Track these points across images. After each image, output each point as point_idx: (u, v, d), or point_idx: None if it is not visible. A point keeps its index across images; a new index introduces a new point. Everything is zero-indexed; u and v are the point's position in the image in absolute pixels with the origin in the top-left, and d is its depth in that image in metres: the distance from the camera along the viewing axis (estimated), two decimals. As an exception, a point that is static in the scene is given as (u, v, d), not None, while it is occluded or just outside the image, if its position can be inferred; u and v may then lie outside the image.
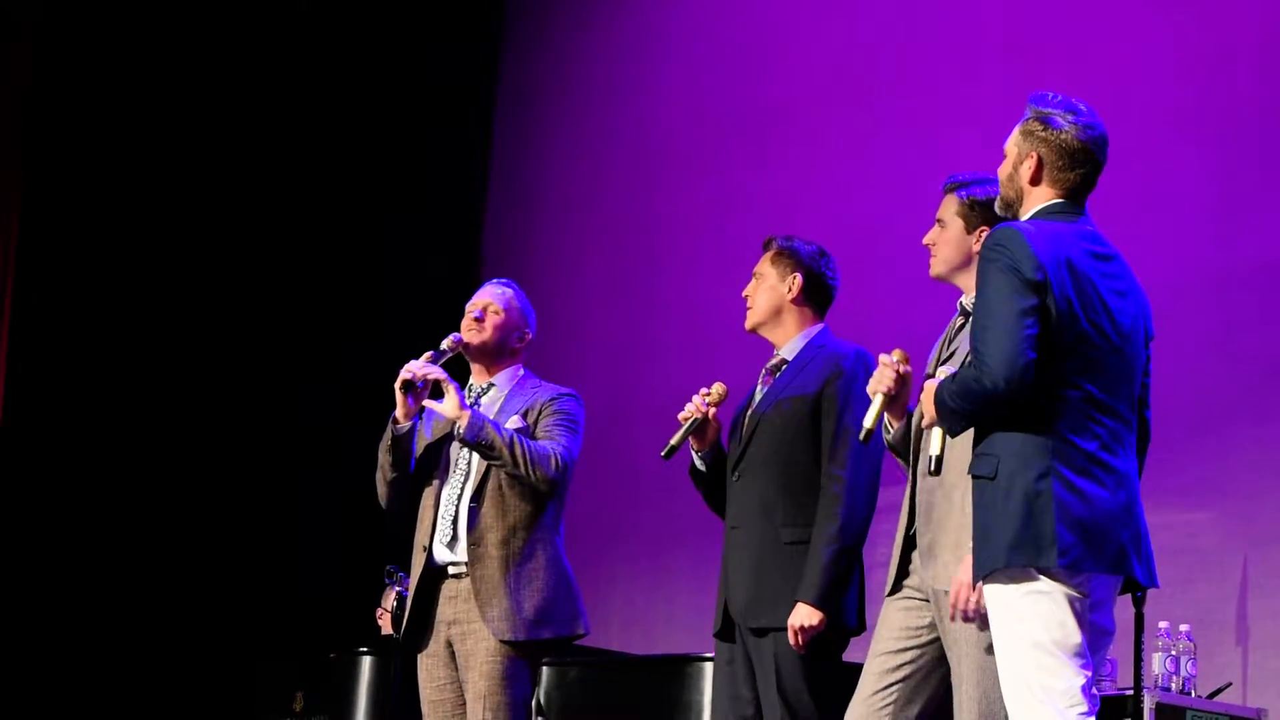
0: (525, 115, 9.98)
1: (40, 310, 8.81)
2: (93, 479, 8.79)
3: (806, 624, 4.58)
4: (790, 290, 4.91)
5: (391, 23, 9.73)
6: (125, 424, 8.91)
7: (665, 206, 9.09)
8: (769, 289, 4.92)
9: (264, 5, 9.43)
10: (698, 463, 4.93)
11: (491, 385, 5.20)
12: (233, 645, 8.60)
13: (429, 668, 5.07)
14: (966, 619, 4.05)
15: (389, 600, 7.14)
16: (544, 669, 6.11)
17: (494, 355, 5.20)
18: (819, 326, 4.94)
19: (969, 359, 3.74)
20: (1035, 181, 3.88)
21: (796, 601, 4.60)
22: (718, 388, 4.85)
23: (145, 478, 8.89)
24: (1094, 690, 3.69)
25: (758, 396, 4.90)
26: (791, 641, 4.59)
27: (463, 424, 4.91)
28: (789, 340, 4.92)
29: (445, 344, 5.09)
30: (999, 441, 3.69)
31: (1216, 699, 5.89)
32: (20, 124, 8.84)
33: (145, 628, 8.76)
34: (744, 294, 4.98)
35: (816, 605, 4.58)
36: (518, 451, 4.92)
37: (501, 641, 4.89)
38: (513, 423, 5.05)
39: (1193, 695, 5.82)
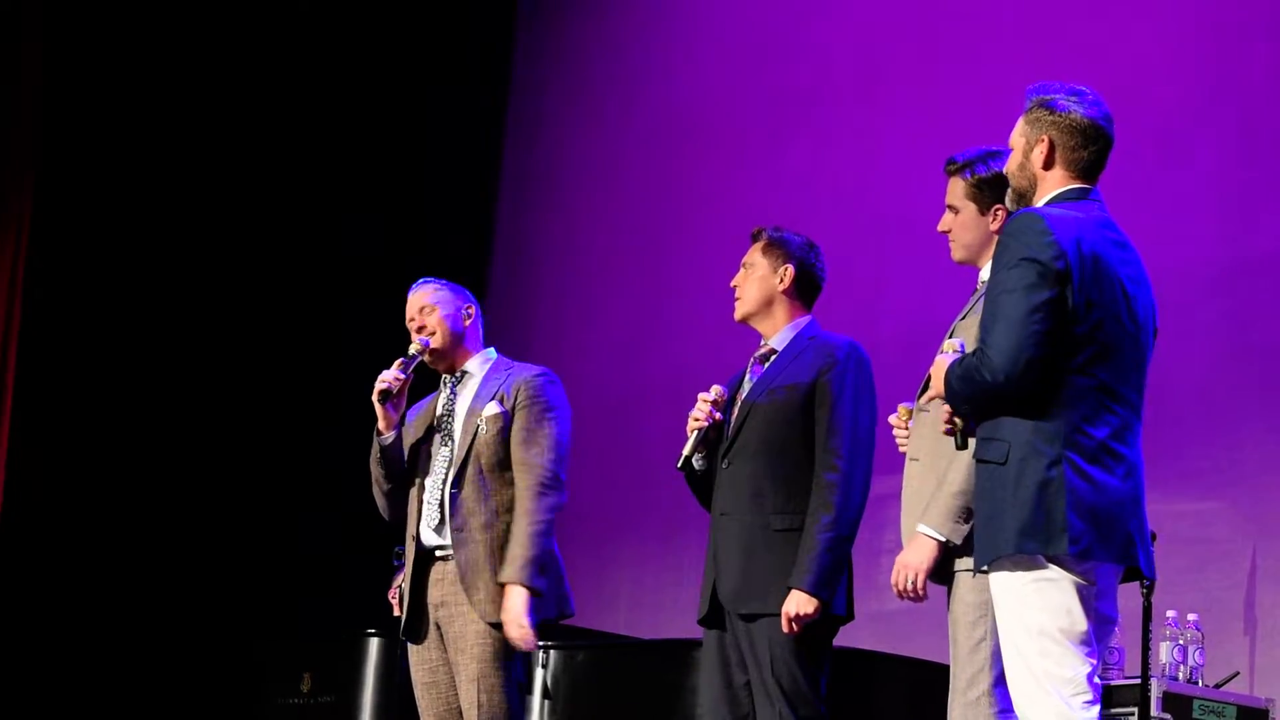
0: (537, 103, 9.97)
1: (50, 305, 8.82)
2: (102, 466, 8.80)
3: (802, 611, 4.56)
4: (782, 281, 4.90)
5: (399, 13, 9.72)
6: (133, 410, 8.92)
7: (677, 192, 9.09)
8: (760, 279, 4.90)
9: (264, 5, 9.43)
10: (698, 465, 4.90)
11: (465, 373, 5.21)
12: (241, 627, 8.61)
13: (419, 651, 5.07)
14: (906, 598, 4.09)
15: (400, 582, 7.16)
16: (551, 652, 6.12)
17: (456, 346, 5.20)
18: (807, 318, 4.93)
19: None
20: (1049, 165, 3.85)
21: (790, 588, 4.59)
22: (716, 390, 4.84)
23: (154, 462, 8.90)
24: (1096, 679, 3.68)
25: (747, 385, 4.88)
26: (785, 628, 4.57)
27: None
28: (778, 331, 4.90)
29: (413, 348, 5.13)
30: (1009, 427, 3.67)
31: (1224, 688, 5.88)
32: (30, 125, 8.83)
33: (154, 609, 8.77)
34: (733, 284, 4.95)
35: (811, 592, 4.57)
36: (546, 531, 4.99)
37: (489, 623, 4.90)
38: (490, 409, 5.05)
39: (1200, 684, 5.82)
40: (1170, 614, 5.85)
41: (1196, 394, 6.69)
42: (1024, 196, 3.88)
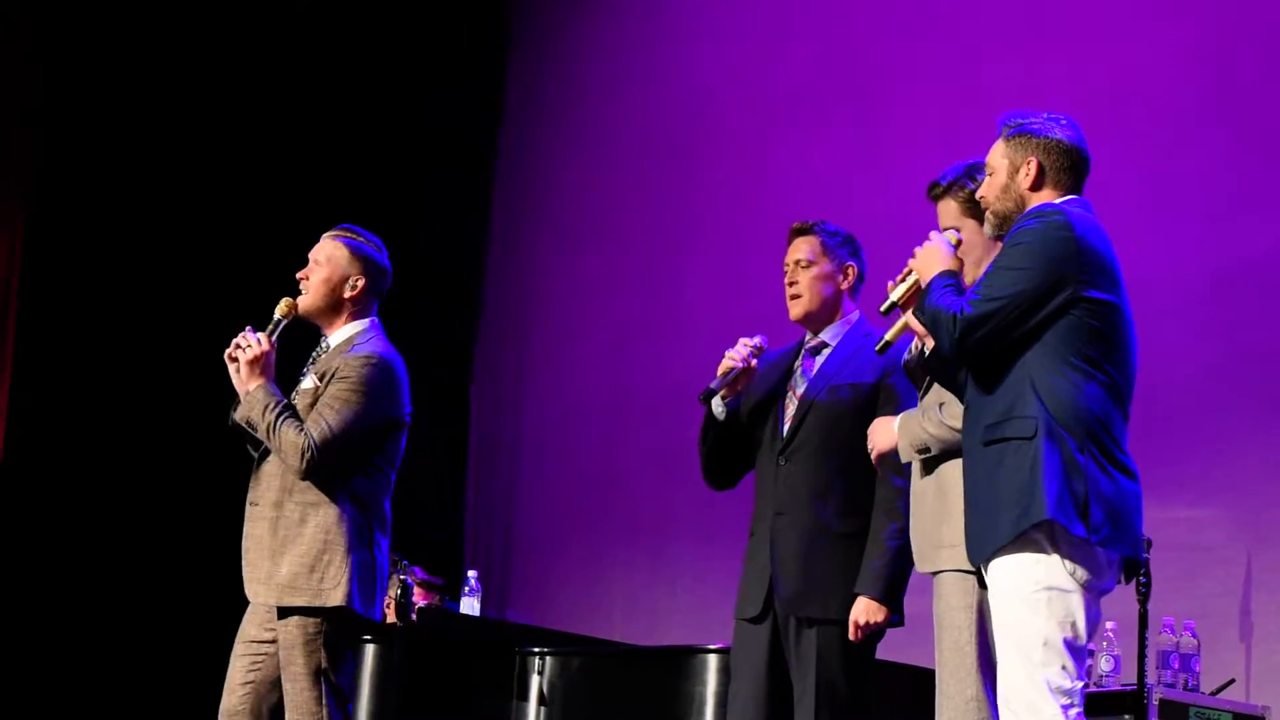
0: (532, 108, 9.97)
1: (46, 312, 8.79)
2: (80, 478, 8.72)
3: (873, 620, 4.50)
4: (847, 279, 4.83)
5: (393, 24, 9.72)
6: (112, 423, 8.86)
7: (667, 196, 9.08)
8: (824, 278, 4.81)
9: (263, 5, 9.42)
10: (718, 410, 4.77)
11: (326, 340, 4.94)
12: (228, 635, 8.58)
13: (246, 621, 4.94)
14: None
15: (393, 588, 7.14)
16: (547, 658, 6.11)
17: (326, 313, 4.92)
18: (858, 313, 4.86)
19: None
20: (1037, 187, 3.87)
21: (857, 595, 4.52)
22: (758, 339, 4.72)
23: (135, 470, 8.83)
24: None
25: (799, 379, 4.80)
26: (852, 635, 4.51)
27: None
28: (829, 325, 4.82)
29: (278, 312, 4.87)
30: (1034, 408, 3.65)
31: (1220, 695, 5.88)
32: (25, 127, 8.82)
33: (147, 614, 8.74)
34: (790, 281, 4.81)
35: (882, 601, 4.50)
36: (274, 441, 4.73)
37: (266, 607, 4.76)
38: (307, 383, 4.84)
39: (1197, 692, 5.81)
40: (1166, 620, 5.85)
41: (1191, 400, 6.69)
42: (1006, 220, 3.89)
